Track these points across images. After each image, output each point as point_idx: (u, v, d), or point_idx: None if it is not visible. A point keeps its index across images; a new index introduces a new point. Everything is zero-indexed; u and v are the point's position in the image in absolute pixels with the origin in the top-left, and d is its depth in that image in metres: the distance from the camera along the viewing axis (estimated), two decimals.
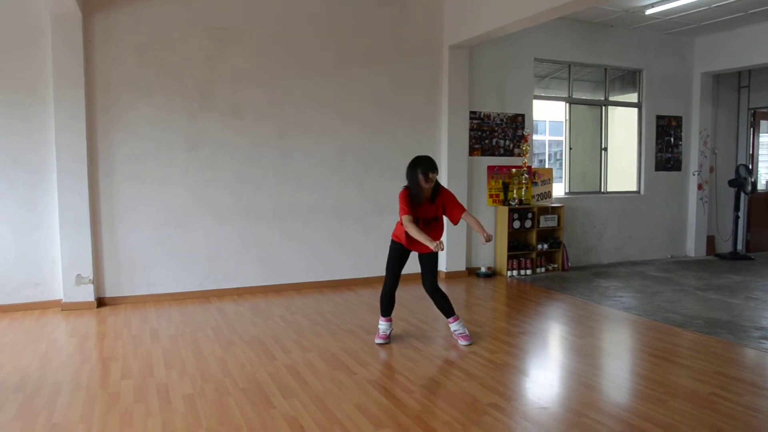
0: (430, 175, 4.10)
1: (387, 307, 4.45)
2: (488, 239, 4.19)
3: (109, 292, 5.63)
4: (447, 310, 4.42)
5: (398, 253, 4.38)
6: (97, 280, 5.56)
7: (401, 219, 4.18)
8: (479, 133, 7.14)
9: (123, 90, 5.55)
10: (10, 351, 4.23)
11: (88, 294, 5.46)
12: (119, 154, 5.58)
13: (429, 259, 4.34)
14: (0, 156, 5.25)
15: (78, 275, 5.42)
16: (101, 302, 5.58)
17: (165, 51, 5.68)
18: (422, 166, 4.11)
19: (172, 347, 4.32)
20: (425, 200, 4.22)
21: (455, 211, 4.29)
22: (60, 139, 5.31)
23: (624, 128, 8.49)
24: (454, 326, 4.43)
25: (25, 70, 5.28)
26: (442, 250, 4.00)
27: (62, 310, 5.38)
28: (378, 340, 4.42)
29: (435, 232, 4.31)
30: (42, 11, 5.23)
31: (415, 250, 4.34)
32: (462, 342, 4.38)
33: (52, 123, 5.33)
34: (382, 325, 4.46)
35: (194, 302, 5.73)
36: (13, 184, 5.30)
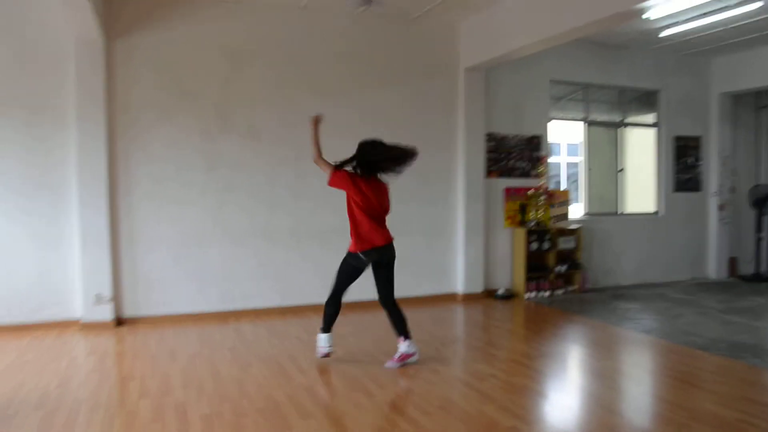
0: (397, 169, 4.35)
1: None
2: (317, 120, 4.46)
3: (128, 312, 5.67)
4: (398, 328, 4.38)
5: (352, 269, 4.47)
6: (116, 300, 5.61)
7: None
8: (496, 154, 7.14)
9: (143, 111, 5.66)
10: (30, 369, 4.27)
11: (107, 313, 5.50)
12: (139, 173, 5.67)
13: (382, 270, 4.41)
14: (21, 174, 5.37)
15: (97, 294, 5.47)
16: (120, 322, 5.61)
17: (183, 73, 5.79)
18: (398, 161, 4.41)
19: (189, 367, 4.33)
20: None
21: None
22: (82, 158, 5.42)
23: (641, 149, 8.44)
24: (400, 346, 4.35)
25: (47, 91, 5.41)
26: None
27: (81, 329, 5.42)
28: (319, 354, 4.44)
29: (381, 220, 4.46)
30: (66, 36, 5.37)
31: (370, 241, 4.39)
32: (388, 362, 4.35)
33: (73, 143, 5.44)
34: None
35: (212, 322, 5.74)
36: (35, 202, 5.40)
